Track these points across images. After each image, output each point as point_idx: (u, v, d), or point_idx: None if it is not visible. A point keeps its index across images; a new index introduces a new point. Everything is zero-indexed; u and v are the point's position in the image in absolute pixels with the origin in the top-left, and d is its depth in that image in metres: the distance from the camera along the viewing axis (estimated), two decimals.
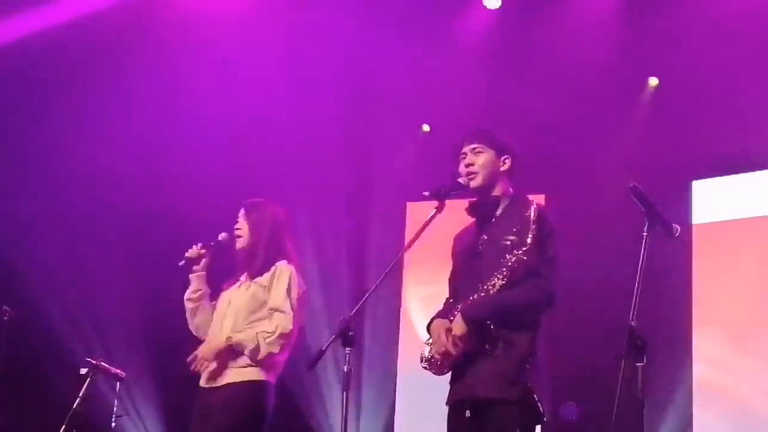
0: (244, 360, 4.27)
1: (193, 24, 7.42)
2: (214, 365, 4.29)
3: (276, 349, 4.24)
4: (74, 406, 5.41)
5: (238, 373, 4.28)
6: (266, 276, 4.38)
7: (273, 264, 4.40)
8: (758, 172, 6.97)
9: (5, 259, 7.41)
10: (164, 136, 7.74)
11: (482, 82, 7.47)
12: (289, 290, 4.32)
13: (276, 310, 4.32)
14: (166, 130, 7.74)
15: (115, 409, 6.03)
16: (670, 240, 3.50)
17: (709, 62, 6.89)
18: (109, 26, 7.32)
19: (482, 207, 3.88)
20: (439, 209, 3.75)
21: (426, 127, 8.21)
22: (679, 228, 3.51)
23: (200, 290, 4.52)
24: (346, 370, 3.59)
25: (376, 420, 7.55)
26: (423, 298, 7.75)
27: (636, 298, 3.32)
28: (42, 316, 7.45)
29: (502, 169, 3.89)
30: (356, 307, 3.86)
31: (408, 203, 7.85)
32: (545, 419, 3.64)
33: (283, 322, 4.26)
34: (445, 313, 3.87)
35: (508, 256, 3.66)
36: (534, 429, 3.67)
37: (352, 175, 7.90)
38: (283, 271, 4.37)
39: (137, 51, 7.43)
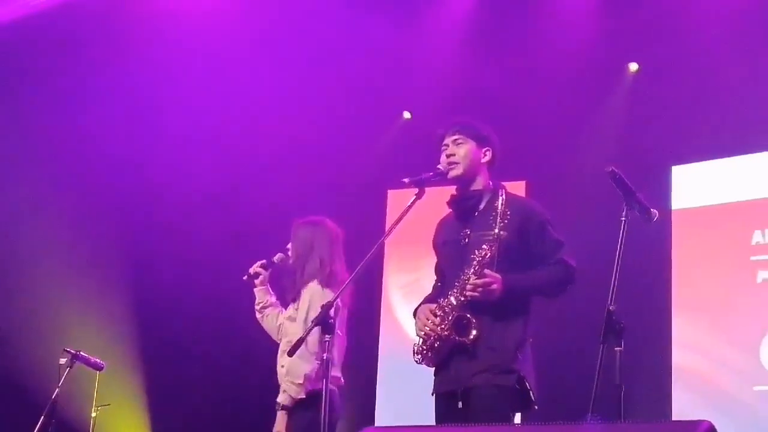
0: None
1: (177, 14, 7.38)
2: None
3: (296, 394, 4.48)
4: (53, 396, 5.38)
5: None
6: (297, 302, 4.66)
7: (304, 286, 4.64)
8: (737, 157, 6.99)
9: None
10: (148, 125, 7.71)
11: (462, 69, 7.46)
12: (306, 317, 4.51)
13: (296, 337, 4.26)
14: (150, 120, 7.71)
15: (94, 399, 6.00)
16: (649, 224, 3.51)
17: (688, 47, 6.91)
18: (96, 12, 7.27)
19: (464, 201, 3.91)
20: (419, 196, 3.77)
21: (407, 114, 8.20)
22: (657, 213, 3.53)
23: (261, 303, 4.85)
24: (326, 357, 3.59)
25: (356, 407, 7.55)
26: (404, 285, 7.75)
27: (614, 282, 3.33)
28: (20, 306, 7.41)
29: (483, 160, 3.95)
30: (336, 295, 3.88)
31: (389, 191, 7.84)
32: (536, 407, 3.69)
33: (294, 368, 4.47)
34: (432, 298, 3.91)
35: (478, 250, 3.71)
36: (521, 412, 3.72)
37: (333, 162, 7.88)
38: (306, 293, 4.62)
39: (124, 39, 7.39)
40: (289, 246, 4.82)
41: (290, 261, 4.77)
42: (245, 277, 4.89)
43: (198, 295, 7.73)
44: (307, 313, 4.52)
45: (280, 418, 4.55)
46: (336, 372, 4.57)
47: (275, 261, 4.86)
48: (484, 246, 3.71)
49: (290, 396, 4.51)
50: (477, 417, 3.59)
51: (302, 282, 4.67)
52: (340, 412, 4.65)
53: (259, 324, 4.91)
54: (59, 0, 7.24)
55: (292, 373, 4.49)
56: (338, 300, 4.47)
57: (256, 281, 4.87)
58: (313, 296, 4.54)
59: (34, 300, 7.43)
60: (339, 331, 4.58)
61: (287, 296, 4.80)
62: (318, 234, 4.75)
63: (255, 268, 4.87)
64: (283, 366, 4.58)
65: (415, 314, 3.93)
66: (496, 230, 3.72)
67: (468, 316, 3.68)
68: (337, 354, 4.57)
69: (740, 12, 6.70)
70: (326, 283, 4.59)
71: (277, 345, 4.79)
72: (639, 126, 7.19)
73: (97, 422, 5.99)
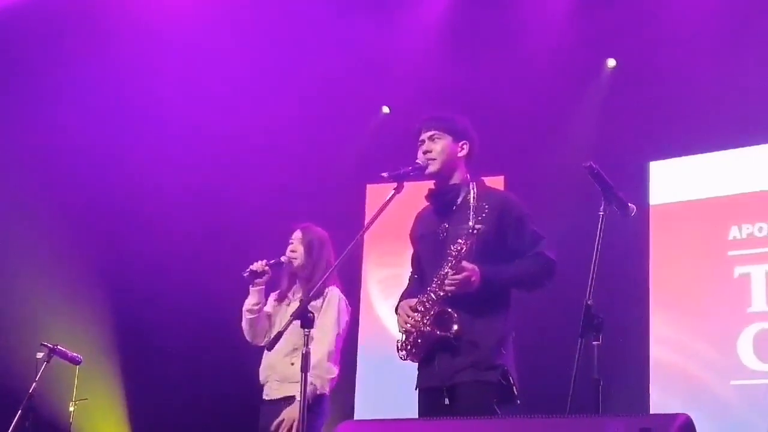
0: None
1: (158, 11, 7.36)
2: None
3: (322, 389, 4.60)
4: (30, 390, 5.36)
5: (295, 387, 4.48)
6: (319, 300, 4.65)
7: (326, 288, 4.67)
8: (715, 153, 7.02)
9: None
10: (125, 119, 7.69)
11: (441, 64, 7.47)
12: (338, 319, 4.68)
13: (324, 335, 4.61)
14: (127, 114, 7.68)
15: (74, 393, 5.98)
16: (627, 219, 3.53)
17: (666, 44, 6.94)
18: (77, 6, 7.23)
19: (442, 195, 3.92)
20: (398, 191, 3.77)
21: (386, 109, 8.20)
22: (635, 207, 3.55)
23: (260, 303, 4.81)
24: (304, 351, 3.59)
25: (336, 401, 7.56)
26: (383, 279, 7.77)
27: (592, 277, 3.34)
28: None
29: (459, 154, 3.95)
30: (316, 288, 3.89)
31: (367, 185, 7.84)
32: (518, 402, 3.70)
33: (324, 363, 4.58)
34: (411, 291, 3.91)
35: (454, 245, 3.71)
36: (503, 407, 3.73)
37: (312, 157, 7.87)
38: (333, 297, 4.71)
39: (103, 34, 7.35)
40: (292, 248, 4.80)
41: (298, 262, 4.78)
42: (246, 273, 4.76)
43: (176, 289, 7.70)
44: (339, 326, 4.68)
45: (296, 408, 4.40)
46: (335, 373, 4.69)
47: (283, 261, 4.80)
48: (460, 240, 3.72)
49: (316, 388, 4.50)
50: (463, 414, 3.59)
51: (320, 284, 4.59)
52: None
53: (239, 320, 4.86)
54: None
55: (322, 368, 4.50)
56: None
57: (259, 280, 4.77)
58: (340, 306, 4.68)
59: (11, 294, 7.38)
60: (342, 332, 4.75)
61: (294, 294, 4.80)
62: (323, 238, 4.84)
63: (261, 266, 4.76)
64: (293, 363, 4.53)
65: (396, 311, 3.93)
66: (471, 223, 3.73)
67: (449, 310, 3.69)
68: (339, 353, 4.73)
69: (717, 9, 6.73)
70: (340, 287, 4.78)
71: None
72: (617, 121, 7.22)
73: (75, 417, 5.97)
